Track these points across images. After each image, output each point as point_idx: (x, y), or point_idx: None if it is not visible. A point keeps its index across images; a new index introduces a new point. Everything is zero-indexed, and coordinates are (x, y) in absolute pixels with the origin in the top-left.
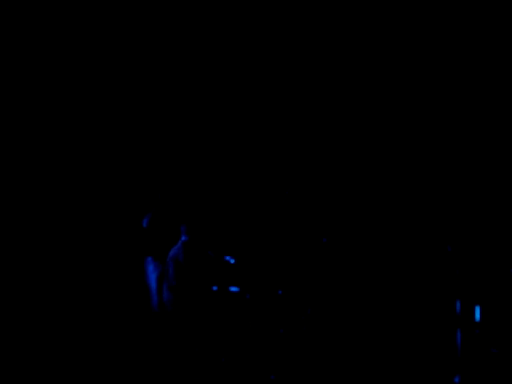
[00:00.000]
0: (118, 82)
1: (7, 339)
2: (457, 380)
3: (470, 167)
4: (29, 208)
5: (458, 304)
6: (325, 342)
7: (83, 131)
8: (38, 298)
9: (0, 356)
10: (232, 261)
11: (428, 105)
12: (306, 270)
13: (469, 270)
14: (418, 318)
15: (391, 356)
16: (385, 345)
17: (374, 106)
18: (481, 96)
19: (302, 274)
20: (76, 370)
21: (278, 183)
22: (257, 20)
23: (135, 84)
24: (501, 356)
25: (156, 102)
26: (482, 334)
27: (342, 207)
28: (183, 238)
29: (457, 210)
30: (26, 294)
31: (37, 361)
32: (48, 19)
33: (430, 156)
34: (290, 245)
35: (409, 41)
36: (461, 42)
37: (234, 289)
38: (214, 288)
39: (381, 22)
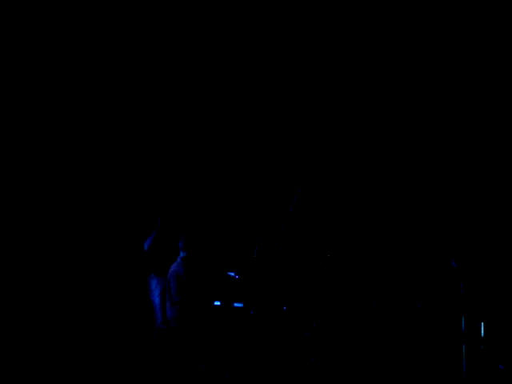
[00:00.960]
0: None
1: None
2: None
3: (475, 183)
4: (37, 225)
5: (463, 320)
6: (330, 359)
7: (85, 155)
8: (42, 312)
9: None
10: (236, 276)
11: (430, 118)
12: (310, 285)
13: (474, 286)
14: (423, 334)
15: (397, 372)
16: (390, 360)
17: (376, 118)
18: (482, 103)
19: (306, 289)
20: None
21: (281, 197)
22: (257, 21)
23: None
24: (507, 372)
25: (153, 124)
26: (488, 350)
27: (346, 222)
28: (182, 254)
29: (462, 225)
30: (31, 312)
31: (41, 373)
32: (48, 19)
33: (434, 171)
34: (295, 260)
35: (408, 44)
36: (460, 46)
37: (237, 304)
38: (218, 303)
39: (381, 23)
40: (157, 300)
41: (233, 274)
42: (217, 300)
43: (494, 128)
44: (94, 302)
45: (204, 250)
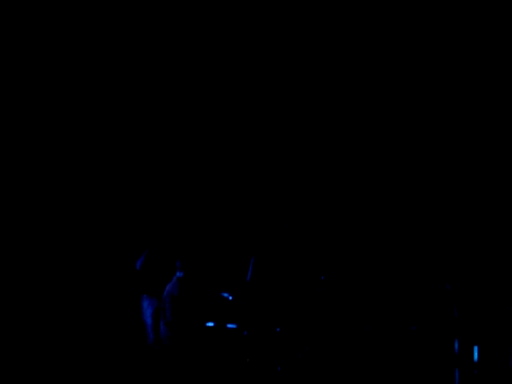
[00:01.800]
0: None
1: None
2: None
3: (469, 207)
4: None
5: (457, 344)
6: (323, 380)
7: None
8: (36, 327)
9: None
10: (230, 297)
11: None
12: (304, 307)
13: (467, 309)
14: (417, 357)
15: None
16: (384, 383)
17: (371, 130)
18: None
19: (300, 311)
20: None
21: (276, 219)
22: (256, 21)
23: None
24: None
25: (145, 140)
26: (481, 375)
27: (340, 244)
28: (178, 274)
29: (457, 249)
30: (24, 321)
31: None
32: (48, 19)
33: (428, 194)
34: (289, 281)
35: (408, 42)
36: (460, 43)
37: (231, 325)
38: (211, 324)
39: (380, 23)
40: (149, 320)
41: (226, 294)
42: (210, 321)
43: (491, 142)
44: (86, 320)
45: (202, 271)
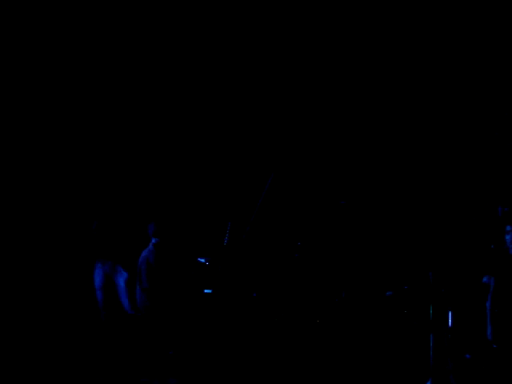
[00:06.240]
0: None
1: None
2: None
3: (443, 180)
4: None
5: (431, 309)
6: (298, 346)
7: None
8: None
9: None
10: (206, 263)
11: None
12: (280, 272)
13: (442, 276)
14: (392, 323)
15: (364, 360)
16: (358, 348)
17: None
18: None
19: (276, 276)
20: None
21: (253, 184)
22: (256, 21)
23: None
24: (473, 361)
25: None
26: (455, 340)
27: (317, 211)
28: (153, 240)
29: (432, 215)
30: None
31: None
32: (48, 19)
33: (405, 161)
34: (265, 247)
35: (407, 43)
36: (458, 47)
37: (207, 291)
38: (188, 290)
39: (380, 24)
40: (122, 285)
41: (203, 260)
42: (187, 286)
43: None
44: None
45: (176, 235)
